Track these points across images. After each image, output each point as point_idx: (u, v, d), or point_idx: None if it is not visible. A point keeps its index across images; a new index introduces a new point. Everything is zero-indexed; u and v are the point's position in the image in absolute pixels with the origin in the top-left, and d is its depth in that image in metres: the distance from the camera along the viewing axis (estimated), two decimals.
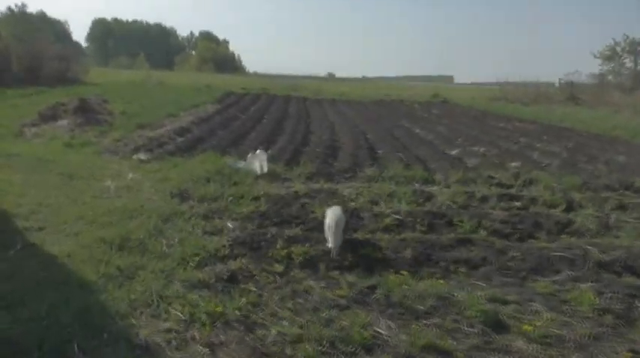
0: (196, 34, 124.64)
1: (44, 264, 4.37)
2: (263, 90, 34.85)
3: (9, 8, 48.74)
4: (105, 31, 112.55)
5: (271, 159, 9.06)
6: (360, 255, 4.85)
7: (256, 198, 6.77)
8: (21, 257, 4.51)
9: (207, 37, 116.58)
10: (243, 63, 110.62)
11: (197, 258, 4.66)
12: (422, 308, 3.88)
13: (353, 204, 6.63)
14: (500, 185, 7.81)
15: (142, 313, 3.70)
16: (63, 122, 13.11)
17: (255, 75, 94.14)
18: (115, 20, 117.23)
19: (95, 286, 4.01)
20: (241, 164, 8.51)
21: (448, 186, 7.66)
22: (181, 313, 3.69)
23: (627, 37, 50.03)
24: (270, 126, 15.17)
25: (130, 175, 7.91)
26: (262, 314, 3.74)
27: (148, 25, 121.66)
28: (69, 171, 7.88)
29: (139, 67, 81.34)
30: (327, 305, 3.86)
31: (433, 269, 4.66)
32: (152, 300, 3.86)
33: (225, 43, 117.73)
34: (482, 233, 5.51)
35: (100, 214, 5.73)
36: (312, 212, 6.13)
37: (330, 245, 4.87)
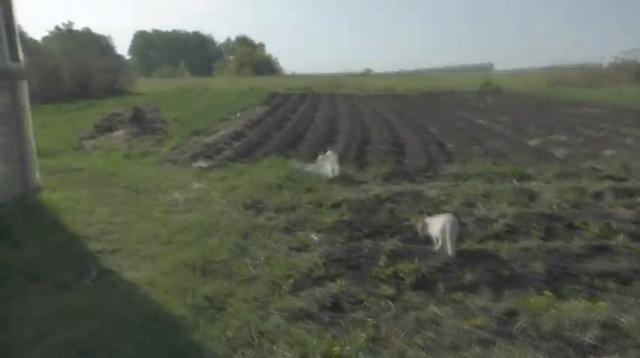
0: (233, 39, 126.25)
1: (125, 295, 3.86)
2: (306, 89, 34.43)
3: (57, 27, 50.47)
4: (146, 42, 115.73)
5: (338, 160, 8.39)
6: (479, 270, 4.11)
7: (336, 205, 6.13)
8: (98, 287, 4.03)
9: (244, 42, 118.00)
10: (280, 65, 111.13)
11: (290, 281, 4.05)
12: (586, 340, 3.11)
13: (446, 207, 5.88)
14: (611, 178, 6.85)
15: (244, 355, 3.11)
16: (119, 132, 12.92)
17: (293, 76, 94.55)
18: (155, 31, 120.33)
19: (185, 322, 3.45)
20: (310, 167, 7.90)
21: (548, 182, 6.78)
22: (291, 354, 3.07)
23: None
24: (325, 126, 14.53)
25: (196, 185, 7.44)
26: (388, 354, 3.07)
27: (186, 34, 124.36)
28: (133, 184, 7.49)
29: (181, 75, 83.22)
30: (466, 341, 3.15)
31: (574, 285, 3.86)
32: (252, 338, 3.27)
33: (261, 46, 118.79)
34: (620, 238, 4.64)
35: (174, 232, 5.23)
36: (406, 219, 5.43)
37: (448, 251, 4.23)
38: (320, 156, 7.73)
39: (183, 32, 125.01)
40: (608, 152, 8.81)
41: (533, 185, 6.63)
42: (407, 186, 6.96)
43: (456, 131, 12.66)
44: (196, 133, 12.89)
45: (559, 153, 9.04)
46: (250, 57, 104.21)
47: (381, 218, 5.60)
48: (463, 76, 56.62)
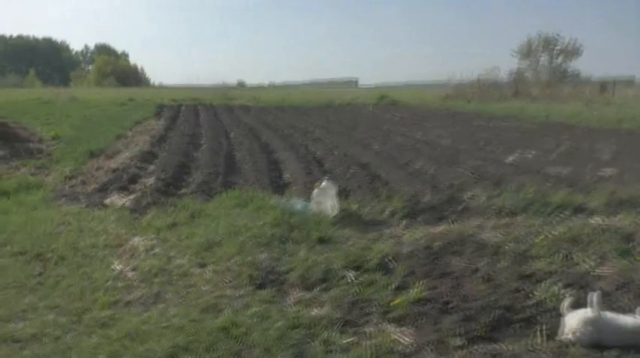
0: (92, 47, 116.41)
1: None
2: (194, 100, 31.37)
3: None
4: None
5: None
6: None
7: (384, 268, 4.09)
8: None
9: (105, 50, 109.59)
10: (147, 75, 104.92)
11: None
12: None
13: (542, 263, 4.15)
14: None
15: None
16: None
17: (163, 87, 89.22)
18: None
19: None
20: (300, 204, 5.72)
21: (612, 214, 5.39)
22: None
23: (541, 33, 51.73)
24: (255, 144, 12.24)
25: (137, 241, 4.85)
26: None
27: (35, 39, 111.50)
28: (32, 246, 4.66)
29: (31, 85, 73.52)
30: None
31: None
32: None
33: (125, 55, 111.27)
34: None
35: None
36: (527, 295, 3.58)
37: None
38: (316, 190, 5.57)
39: (31, 38, 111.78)
40: (609, 170, 7.91)
41: (598, 220, 5.19)
42: (448, 228, 5.15)
43: (411, 149, 11.18)
44: (93, 155, 9.81)
45: (565, 172, 7.92)
46: (113, 66, 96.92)
47: (477, 290, 3.69)
48: (353, 90, 57.39)
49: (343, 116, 21.75)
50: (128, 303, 3.50)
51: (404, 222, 5.40)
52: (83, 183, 7.92)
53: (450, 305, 3.46)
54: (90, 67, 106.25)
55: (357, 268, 4.08)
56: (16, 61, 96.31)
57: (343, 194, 6.39)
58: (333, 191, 5.63)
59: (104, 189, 7.51)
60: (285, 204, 5.63)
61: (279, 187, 7.45)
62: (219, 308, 3.35)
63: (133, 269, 4.10)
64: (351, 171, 8.44)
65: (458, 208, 5.86)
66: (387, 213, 5.68)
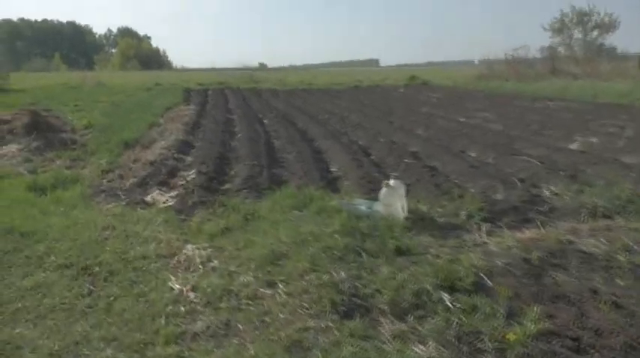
0: (114, 31, 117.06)
1: None
2: (220, 84, 30.90)
3: None
4: (12, 32, 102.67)
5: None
6: None
7: (482, 287, 3.50)
8: None
9: (128, 33, 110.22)
10: (169, 58, 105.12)
11: None
12: None
13: None
14: None
15: None
16: (11, 147, 9.00)
17: (187, 70, 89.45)
18: (22, 20, 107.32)
19: None
20: (364, 205, 5.15)
21: None
22: None
23: (574, 7, 49.64)
24: (292, 131, 11.67)
25: (190, 250, 4.35)
26: None
27: (59, 24, 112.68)
28: (76, 257, 4.20)
29: (57, 69, 74.24)
30: None
31: None
32: None
33: (147, 38, 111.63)
34: None
35: None
36: None
37: None
38: (384, 190, 4.97)
39: (55, 22, 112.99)
40: None
41: None
42: (538, 234, 4.51)
43: (459, 134, 10.47)
44: (128, 145, 9.37)
45: None
46: (136, 50, 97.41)
47: (607, 320, 3.07)
48: (384, 71, 56.18)
49: (375, 98, 20.99)
50: (195, 336, 2.99)
51: (484, 226, 4.78)
52: (121, 177, 7.47)
53: (583, 343, 2.86)
54: (113, 50, 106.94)
55: (450, 288, 3.49)
56: (42, 45, 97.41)
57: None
58: (402, 190, 5.03)
59: (143, 184, 7.05)
60: (348, 206, 5.05)
61: (330, 182, 6.88)
62: (305, 346, 2.81)
63: (194, 289, 3.59)
64: (405, 161, 7.80)
65: (543, 208, 5.21)
66: (462, 215, 5.06)
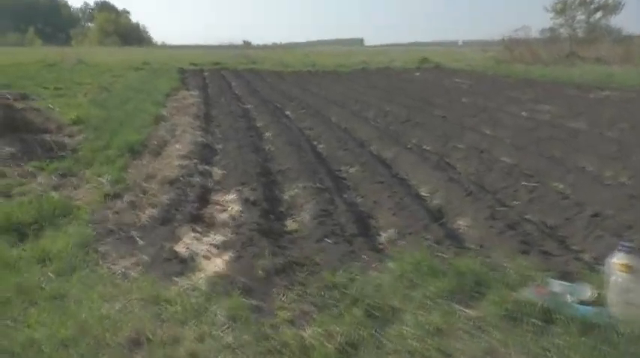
0: (91, 4, 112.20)
1: None
2: (216, 64, 28.37)
3: None
4: None
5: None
6: None
7: None
8: None
9: (105, 7, 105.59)
10: (149, 34, 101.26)
11: None
12: None
13: None
14: None
15: None
16: None
17: (169, 47, 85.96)
18: None
19: None
20: (587, 293, 3.06)
21: None
22: None
23: None
24: (333, 130, 9.52)
25: None
26: None
27: None
28: None
29: (31, 44, 70.28)
30: None
31: None
32: None
33: (126, 12, 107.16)
34: None
35: None
36: None
37: None
38: (623, 276, 2.88)
39: None
40: None
41: None
42: None
43: (548, 137, 8.38)
44: (134, 152, 7.11)
45: None
46: (115, 24, 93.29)
47: None
48: (393, 51, 54.08)
49: (396, 84, 18.82)
50: None
51: None
52: (133, 205, 5.27)
53: None
54: (90, 25, 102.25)
55: None
56: (15, 19, 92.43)
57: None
58: None
59: (168, 220, 4.89)
60: (555, 301, 2.95)
61: (443, 224, 4.76)
62: None
63: None
64: (523, 184, 5.73)
65: None
66: None
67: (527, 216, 4.97)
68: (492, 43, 40.42)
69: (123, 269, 3.86)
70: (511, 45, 34.18)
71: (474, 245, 4.27)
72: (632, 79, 16.52)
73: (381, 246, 4.39)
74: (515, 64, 24.86)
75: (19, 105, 8.31)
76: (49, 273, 3.63)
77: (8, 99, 9.00)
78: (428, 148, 7.92)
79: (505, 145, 7.80)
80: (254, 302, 3.29)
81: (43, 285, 3.43)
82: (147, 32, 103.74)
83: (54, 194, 5.46)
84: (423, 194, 5.72)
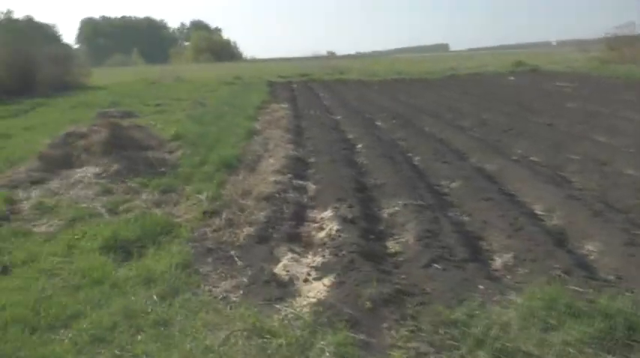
0: (187, 24, 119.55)
1: None
2: (303, 76, 28.73)
3: None
4: (94, 30, 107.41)
5: None
6: None
7: None
8: None
9: (199, 26, 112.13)
10: (239, 49, 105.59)
11: None
12: None
13: None
14: None
15: None
16: (86, 171, 7.04)
17: (258, 61, 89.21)
18: (103, 18, 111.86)
19: None
20: None
21: None
22: None
23: None
24: (429, 142, 9.08)
25: None
26: None
27: (137, 19, 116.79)
28: None
29: (135, 64, 76.04)
30: None
31: None
32: None
33: (218, 30, 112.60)
34: None
35: None
36: None
37: None
38: None
39: (133, 18, 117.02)
40: None
41: None
42: None
43: None
44: (230, 167, 7.17)
45: None
46: (208, 42, 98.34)
47: None
48: (481, 55, 52.42)
49: (490, 90, 17.86)
50: None
51: None
52: (230, 223, 5.22)
53: None
54: (186, 44, 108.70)
55: None
56: (120, 41, 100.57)
57: None
58: None
59: (265, 239, 4.78)
60: None
61: (569, 253, 4.18)
62: None
63: None
64: None
65: None
66: None
67: None
68: (590, 42, 37.45)
69: (224, 293, 3.77)
70: (615, 43, 31.35)
71: (611, 276, 3.70)
72: None
73: (496, 274, 3.94)
74: (624, 64, 22.67)
75: (124, 123, 8.72)
76: (154, 296, 3.59)
77: (115, 117, 9.56)
78: (536, 159, 7.25)
79: (628, 156, 6.93)
80: (362, 336, 3.01)
81: (149, 310, 3.38)
82: (237, 48, 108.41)
83: (157, 211, 5.57)
84: (538, 213, 5.15)
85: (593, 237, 4.33)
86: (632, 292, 3.37)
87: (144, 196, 6.17)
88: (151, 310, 3.40)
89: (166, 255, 4.36)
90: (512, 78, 22.56)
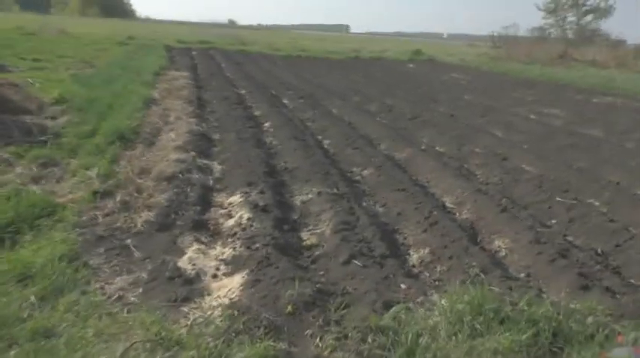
0: None
1: None
2: (204, 44, 27.36)
3: None
4: None
5: None
6: None
7: None
8: None
9: None
10: (132, 7, 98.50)
11: None
12: None
13: None
14: None
15: None
16: None
17: (152, 21, 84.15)
18: None
19: None
20: None
21: None
22: None
23: None
24: (332, 121, 8.94)
25: None
26: None
27: None
28: None
29: (9, 10, 67.63)
30: None
31: None
32: None
33: None
34: None
35: None
36: None
37: None
38: None
39: None
40: None
41: None
42: None
43: (571, 147, 7.88)
44: (124, 139, 6.40)
45: None
46: None
47: None
48: (380, 40, 53.34)
49: (392, 76, 18.25)
50: None
51: None
52: (126, 206, 4.61)
53: None
54: None
55: None
56: None
57: None
58: None
59: (167, 226, 4.28)
60: None
61: (497, 262, 4.23)
62: None
63: None
64: (559, 201, 5.24)
65: None
66: None
67: (569, 238, 4.50)
68: (478, 38, 40.05)
69: (119, 292, 3.26)
70: (500, 42, 33.89)
71: (522, 274, 3.78)
72: (636, 86, 16.23)
73: (415, 271, 3.86)
74: (511, 62, 24.48)
75: None
76: (32, 297, 2.99)
77: None
78: (442, 150, 7.40)
79: (525, 152, 7.32)
80: (283, 346, 2.72)
81: (25, 315, 2.79)
82: (130, 4, 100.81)
83: (35, 188, 4.77)
84: (449, 205, 5.19)
85: (501, 233, 4.42)
86: (542, 291, 3.47)
87: (18, 170, 5.26)
88: (28, 316, 2.81)
89: (47, 244, 3.70)
90: (411, 65, 23.33)
